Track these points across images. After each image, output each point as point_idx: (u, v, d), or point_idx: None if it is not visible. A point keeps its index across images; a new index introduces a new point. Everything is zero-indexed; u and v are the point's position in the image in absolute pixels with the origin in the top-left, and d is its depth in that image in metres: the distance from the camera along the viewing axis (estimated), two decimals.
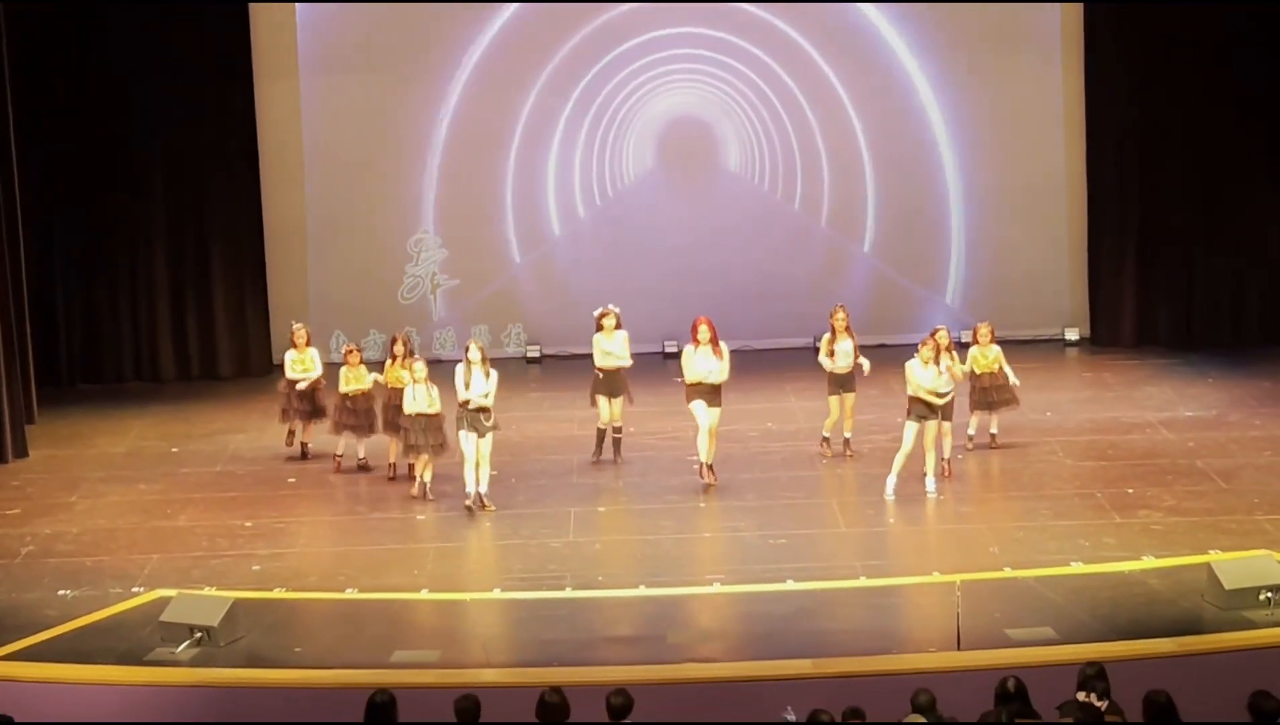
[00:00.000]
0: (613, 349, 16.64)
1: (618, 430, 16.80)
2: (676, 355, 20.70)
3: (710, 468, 15.74)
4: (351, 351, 16.92)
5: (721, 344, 15.80)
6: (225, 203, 20.98)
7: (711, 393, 15.68)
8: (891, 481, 15.45)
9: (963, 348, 16.95)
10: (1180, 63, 20.71)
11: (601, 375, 16.70)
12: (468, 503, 15.44)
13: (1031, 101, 21.32)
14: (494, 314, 21.59)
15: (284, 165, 21.23)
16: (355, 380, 16.67)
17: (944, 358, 15.56)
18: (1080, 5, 21.05)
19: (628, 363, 16.62)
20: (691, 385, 15.76)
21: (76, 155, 20.50)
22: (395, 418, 16.08)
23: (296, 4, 21.02)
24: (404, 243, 21.48)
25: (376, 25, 21.05)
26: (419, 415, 15.68)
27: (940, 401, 15.43)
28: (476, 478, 15.45)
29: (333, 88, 21.14)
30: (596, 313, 16.84)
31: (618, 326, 16.68)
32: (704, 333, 15.77)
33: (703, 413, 15.61)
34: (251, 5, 20.84)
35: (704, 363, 15.71)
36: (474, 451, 15.38)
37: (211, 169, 20.85)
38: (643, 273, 21.35)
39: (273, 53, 21.03)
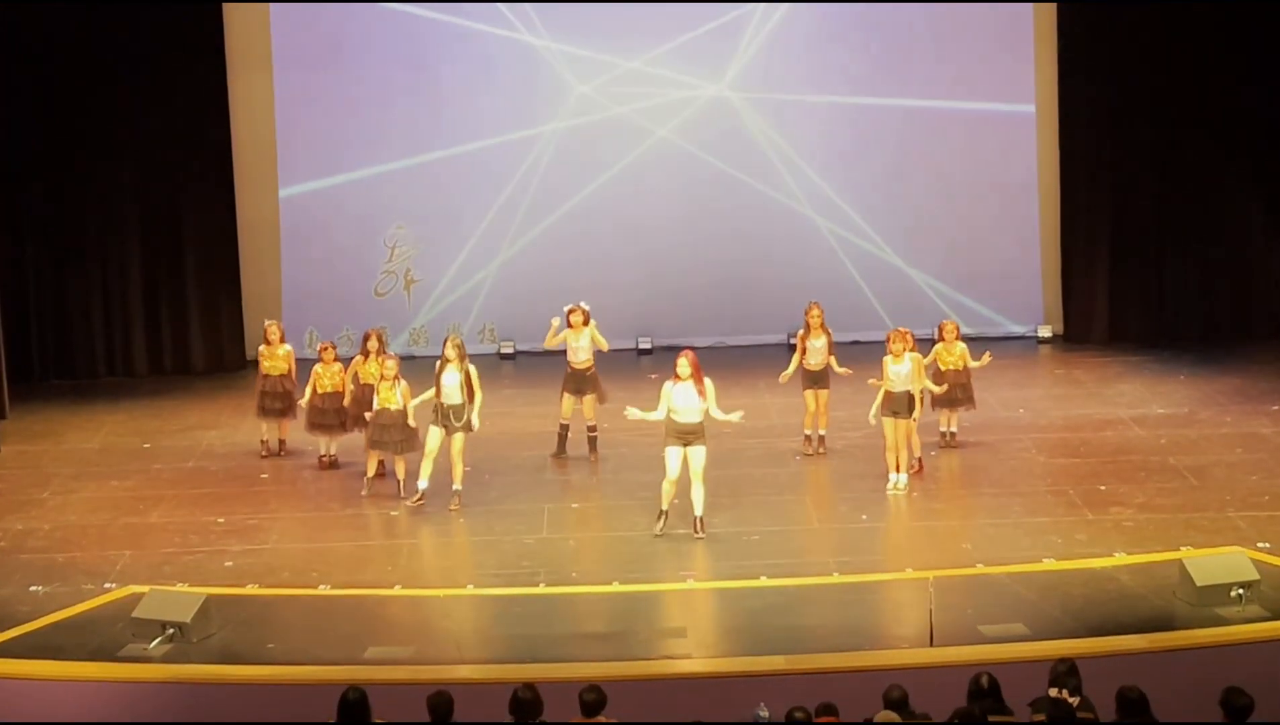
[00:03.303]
0: (579, 346, 16.67)
1: (591, 428, 16.82)
2: (650, 352, 20.85)
3: (700, 520, 14.58)
4: (326, 348, 16.92)
5: (706, 380, 14.65)
6: (199, 198, 20.92)
7: (690, 432, 14.56)
8: (892, 477, 15.54)
9: (929, 344, 17.00)
10: (1153, 63, 20.75)
11: (569, 371, 16.74)
12: (411, 500, 15.46)
13: (1004, 100, 21.34)
14: (468, 310, 21.56)
15: (258, 160, 21.18)
16: (328, 378, 16.66)
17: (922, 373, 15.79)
18: (1053, 5, 21.09)
19: (583, 362, 16.63)
20: (668, 424, 14.64)
21: (48, 150, 20.42)
22: (366, 418, 16.02)
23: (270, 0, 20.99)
24: (378, 239, 21.44)
25: (350, 20, 20.99)
26: (384, 410, 15.67)
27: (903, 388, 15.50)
28: (412, 471, 15.49)
29: (307, 83, 21.07)
30: (566, 308, 16.87)
31: (585, 323, 16.70)
32: (683, 367, 14.58)
33: (674, 460, 14.54)
34: (225, 1, 20.79)
35: (682, 398, 14.55)
36: (435, 444, 15.39)
37: (185, 164, 20.78)
38: (617, 269, 21.34)
39: (247, 47, 20.98)
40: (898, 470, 15.64)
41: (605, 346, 16.91)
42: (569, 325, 16.75)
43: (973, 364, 16.68)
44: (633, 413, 14.88)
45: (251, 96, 21.05)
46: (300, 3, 20.88)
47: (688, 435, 14.58)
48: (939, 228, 21.49)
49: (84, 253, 20.80)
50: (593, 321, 16.73)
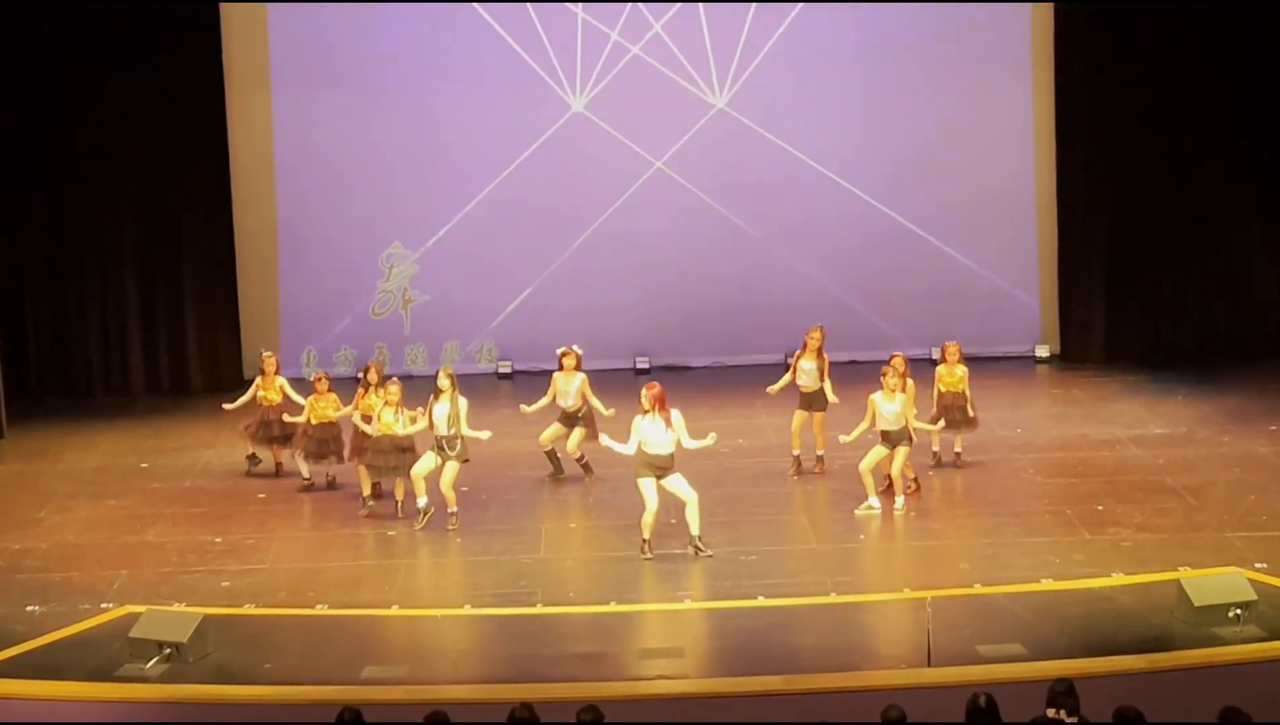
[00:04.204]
0: (568, 390, 16.63)
1: (579, 459, 16.77)
2: (648, 371, 20.83)
3: (697, 538, 14.49)
4: (320, 378, 16.82)
5: (673, 412, 14.49)
6: (196, 216, 20.93)
7: (663, 466, 14.47)
8: (873, 498, 15.53)
9: (930, 365, 16.99)
10: (1151, 78, 20.76)
11: (561, 413, 16.71)
12: (418, 524, 15.43)
13: (1001, 116, 21.36)
14: (465, 329, 21.55)
15: (255, 179, 21.19)
16: (323, 408, 16.60)
17: (907, 396, 15.72)
18: (1050, 15, 21.06)
19: (572, 406, 16.57)
20: (640, 456, 14.48)
21: (46, 168, 20.45)
22: (364, 445, 15.98)
23: (269, 16, 20.99)
24: (375, 258, 21.44)
25: (349, 38, 21.03)
26: (386, 435, 15.66)
27: (897, 425, 15.48)
28: (411, 490, 15.52)
29: (305, 101, 21.10)
30: (559, 351, 16.81)
31: (577, 367, 16.65)
32: (646, 400, 14.48)
33: (651, 490, 14.45)
34: (224, 17, 20.82)
35: (652, 432, 14.42)
36: (428, 468, 15.38)
37: (183, 182, 20.79)
38: (615, 288, 21.34)
39: (245, 65, 21.00)
40: (890, 494, 15.62)
41: (605, 411, 16.51)
42: (560, 367, 16.70)
43: (972, 409, 16.69)
44: (605, 441, 15.03)
45: (250, 114, 21.07)
46: (300, 4, 20.87)
47: (660, 469, 14.52)
48: (936, 246, 21.47)
49: (82, 271, 20.81)
50: (586, 380, 16.57)
